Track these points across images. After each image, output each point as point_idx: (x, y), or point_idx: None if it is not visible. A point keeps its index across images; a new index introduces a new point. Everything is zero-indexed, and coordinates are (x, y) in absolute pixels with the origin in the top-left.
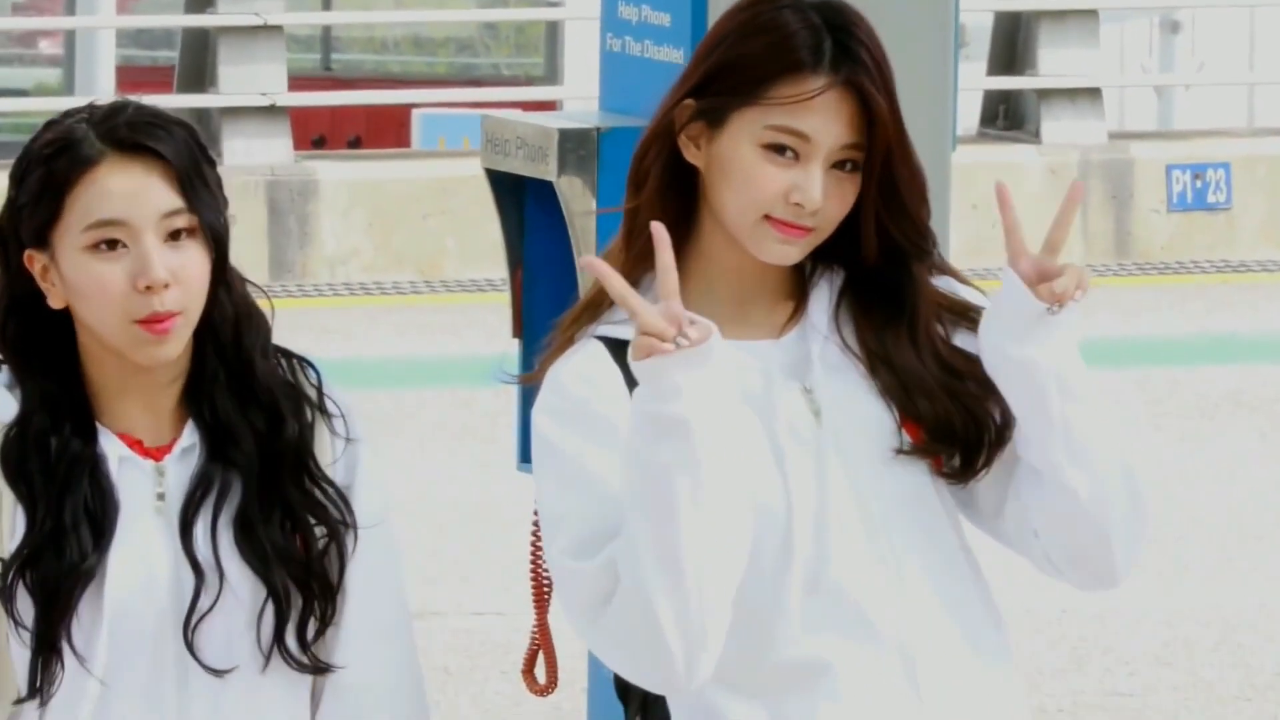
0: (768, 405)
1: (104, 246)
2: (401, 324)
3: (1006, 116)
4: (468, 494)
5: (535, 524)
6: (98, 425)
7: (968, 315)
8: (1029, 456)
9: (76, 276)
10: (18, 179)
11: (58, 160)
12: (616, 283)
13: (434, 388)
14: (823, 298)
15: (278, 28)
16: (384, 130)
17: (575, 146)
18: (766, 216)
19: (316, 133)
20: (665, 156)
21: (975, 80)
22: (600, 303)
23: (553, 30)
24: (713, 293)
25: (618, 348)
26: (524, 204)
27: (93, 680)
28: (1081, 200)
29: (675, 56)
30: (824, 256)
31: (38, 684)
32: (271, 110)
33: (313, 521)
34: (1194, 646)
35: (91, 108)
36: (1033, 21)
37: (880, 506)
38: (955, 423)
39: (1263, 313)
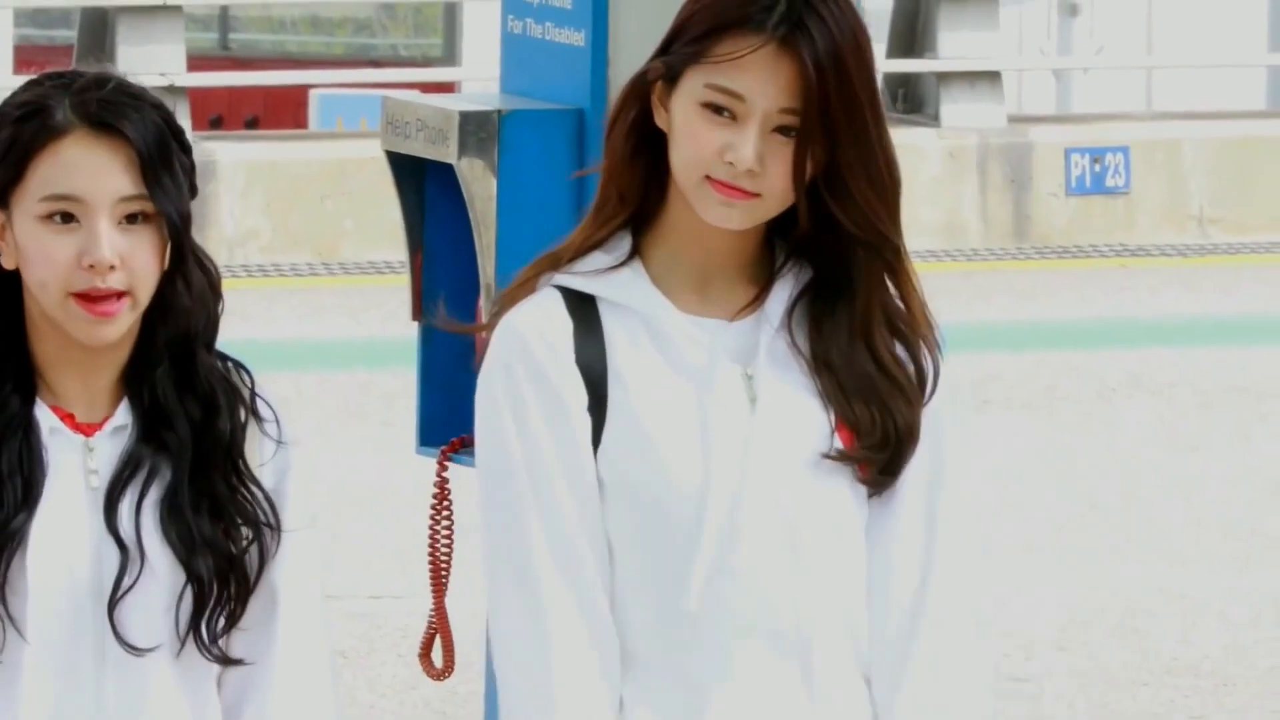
0: (706, 382)
1: (58, 219)
2: (299, 306)
3: (906, 99)
4: (365, 477)
5: (434, 507)
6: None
7: (910, 337)
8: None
9: (27, 243)
10: None
11: (26, 124)
12: None
13: (332, 370)
14: (785, 291)
15: (177, 7)
16: (281, 110)
17: (476, 129)
18: (707, 177)
19: (213, 113)
20: (631, 118)
21: (875, 62)
22: (562, 255)
23: (451, 11)
24: (677, 262)
25: (575, 299)
26: (424, 187)
27: (27, 647)
28: None
29: (576, 39)
30: (800, 251)
31: None
32: (170, 90)
33: (238, 520)
34: (1091, 630)
35: (75, 74)
36: (932, 4)
37: (797, 504)
38: (889, 429)
39: (1161, 297)
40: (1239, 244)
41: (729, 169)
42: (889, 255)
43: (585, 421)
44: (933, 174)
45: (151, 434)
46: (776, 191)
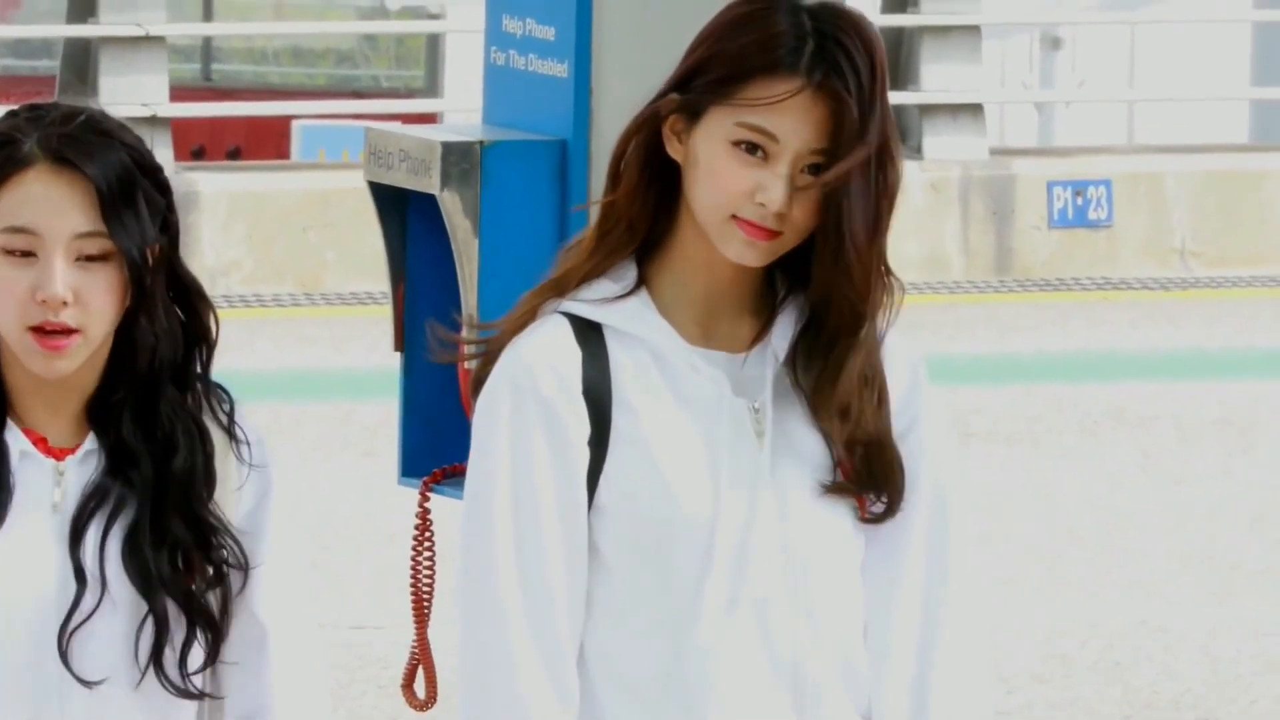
0: (714, 415)
1: (16, 252)
2: (281, 337)
3: None
4: (347, 507)
5: (416, 538)
6: (6, 419)
7: (880, 380)
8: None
9: None
10: None
11: None
12: None
13: (314, 401)
14: (788, 324)
15: (160, 38)
16: (263, 141)
17: (458, 160)
18: (734, 216)
19: (195, 143)
20: (646, 149)
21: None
22: (567, 281)
23: (433, 43)
24: (684, 292)
25: (582, 326)
26: (407, 217)
27: None
28: None
29: (560, 70)
30: (803, 281)
31: None
32: (153, 121)
33: (198, 559)
34: (1072, 664)
35: (53, 107)
36: (915, 36)
37: (803, 539)
38: (867, 463)
39: (1143, 330)
40: (1221, 277)
41: (758, 210)
42: (864, 305)
43: (585, 456)
44: (915, 206)
45: (118, 469)
46: (798, 229)
